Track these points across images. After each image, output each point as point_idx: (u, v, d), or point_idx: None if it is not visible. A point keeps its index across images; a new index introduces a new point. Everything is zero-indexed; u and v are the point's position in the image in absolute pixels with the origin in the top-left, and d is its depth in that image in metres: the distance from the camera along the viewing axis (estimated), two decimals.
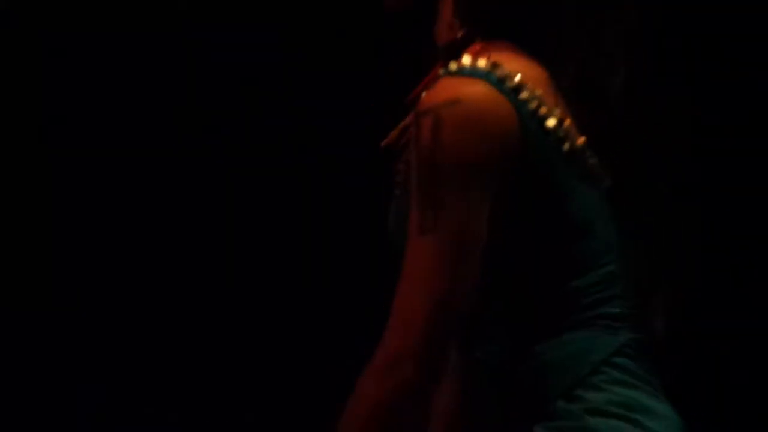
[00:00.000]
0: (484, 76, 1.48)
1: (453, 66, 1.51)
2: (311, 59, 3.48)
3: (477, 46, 1.55)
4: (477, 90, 1.48)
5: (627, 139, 1.60)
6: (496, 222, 1.49)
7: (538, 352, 1.53)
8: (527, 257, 1.53)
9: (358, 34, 2.96)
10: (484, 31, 1.57)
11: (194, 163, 4.45)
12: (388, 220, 1.61)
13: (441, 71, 1.53)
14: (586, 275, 1.54)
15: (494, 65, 1.50)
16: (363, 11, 1.85)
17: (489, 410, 1.59)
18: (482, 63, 1.50)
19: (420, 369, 1.47)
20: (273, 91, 3.67)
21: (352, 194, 2.29)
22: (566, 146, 1.52)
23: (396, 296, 1.50)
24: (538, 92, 1.51)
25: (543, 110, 1.50)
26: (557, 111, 1.52)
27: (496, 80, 1.48)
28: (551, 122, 1.50)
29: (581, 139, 1.54)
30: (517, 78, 1.50)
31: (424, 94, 1.55)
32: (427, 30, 1.63)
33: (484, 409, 1.60)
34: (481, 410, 1.61)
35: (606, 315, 1.55)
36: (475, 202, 1.48)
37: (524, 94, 1.49)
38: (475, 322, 1.54)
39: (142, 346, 4.16)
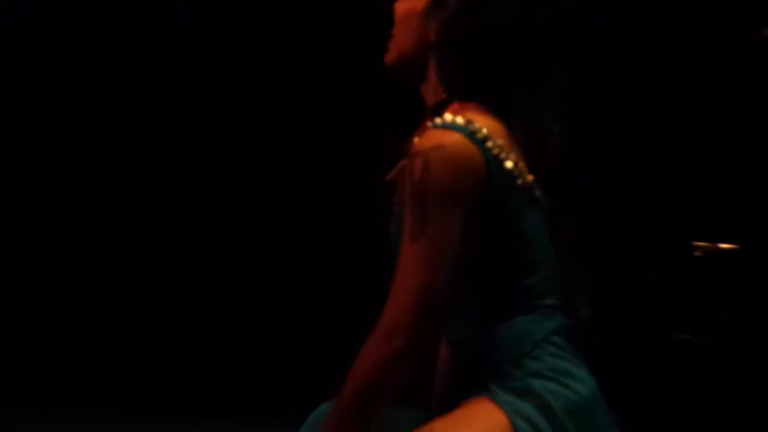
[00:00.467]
0: (460, 129, 1.96)
1: (438, 121, 1.98)
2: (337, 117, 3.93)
3: (455, 106, 2.03)
4: (455, 139, 1.95)
5: (560, 176, 2.12)
6: (468, 235, 1.97)
7: (495, 331, 2.01)
8: (490, 262, 2.00)
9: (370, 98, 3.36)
10: (459, 95, 2.06)
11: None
12: (389, 230, 2.10)
13: (429, 124, 2.02)
14: (531, 277, 2.02)
15: (468, 121, 1.98)
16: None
17: (457, 373, 2.10)
18: (459, 119, 1.98)
19: (407, 340, 1.91)
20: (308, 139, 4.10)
21: (365, 213, 2.72)
22: (519, 181, 2.01)
23: (392, 285, 1.95)
24: (499, 142, 1.99)
25: (503, 155, 1.99)
26: (513, 155, 2.00)
27: (469, 132, 1.96)
28: (509, 164, 1.99)
29: (530, 176, 2.04)
30: (484, 131, 1.98)
31: (416, 140, 2.04)
32: (418, 94, 2.13)
33: (454, 373, 2.11)
34: (451, 373, 2.12)
35: (545, 306, 2.03)
36: (450, 219, 1.94)
37: (489, 143, 1.98)
38: (451, 308, 2.04)
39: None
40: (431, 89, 2.09)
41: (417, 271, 1.93)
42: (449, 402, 2.03)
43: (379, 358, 1.93)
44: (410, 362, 1.94)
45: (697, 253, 3.29)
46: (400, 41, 2.11)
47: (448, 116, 1.99)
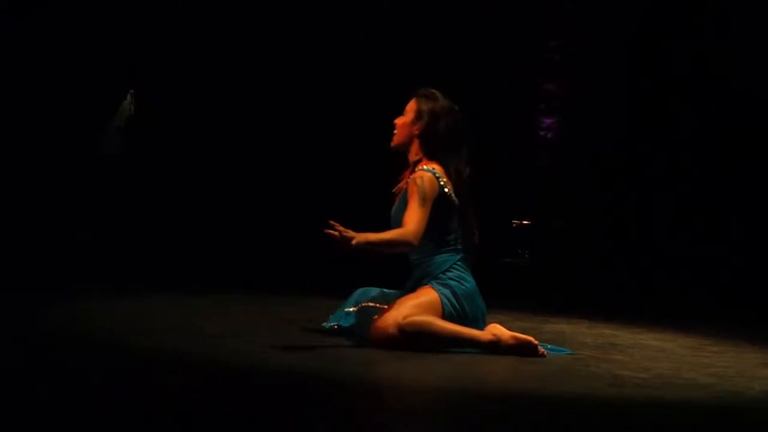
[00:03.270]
0: (431, 171, 4.62)
1: (424, 167, 4.62)
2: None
3: (426, 161, 4.69)
4: (430, 174, 4.60)
5: (466, 195, 4.77)
6: (431, 212, 4.58)
7: (434, 258, 4.65)
8: (437, 225, 4.61)
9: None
10: (426, 157, 4.69)
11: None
12: (391, 211, 4.71)
13: (420, 167, 4.63)
14: (451, 234, 4.68)
15: (433, 168, 4.63)
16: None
17: (417, 275, 4.70)
18: (429, 167, 4.64)
19: (413, 240, 4.49)
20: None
21: (378, 198, 5.14)
22: (450, 197, 4.65)
23: (405, 224, 4.49)
24: (444, 179, 4.64)
25: (445, 184, 4.63)
26: (449, 185, 4.65)
27: (433, 172, 4.62)
28: (447, 189, 4.65)
29: (454, 194, 4.69)
30: (439, 173, 4.63)
31: (416, 173, 4.63)
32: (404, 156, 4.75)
33: (416, 275, 4.71)
34: (415, 275, 4.71)
35: (454, 249, 4.69)
36: (428, 204, 4.56)
37: (441, 179, 4.63)
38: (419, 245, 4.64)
39: None
40: (412, 154, 4.74)
41: (418, 219, 4.54)
42: (414, 287, 4.68)
43: (396, 242, 4.51)
44: (411, 248, 4.56)
45: (514, 225, 6.54)
46: (399, 136, 4.75)
47: (426, 166, 4.65)
